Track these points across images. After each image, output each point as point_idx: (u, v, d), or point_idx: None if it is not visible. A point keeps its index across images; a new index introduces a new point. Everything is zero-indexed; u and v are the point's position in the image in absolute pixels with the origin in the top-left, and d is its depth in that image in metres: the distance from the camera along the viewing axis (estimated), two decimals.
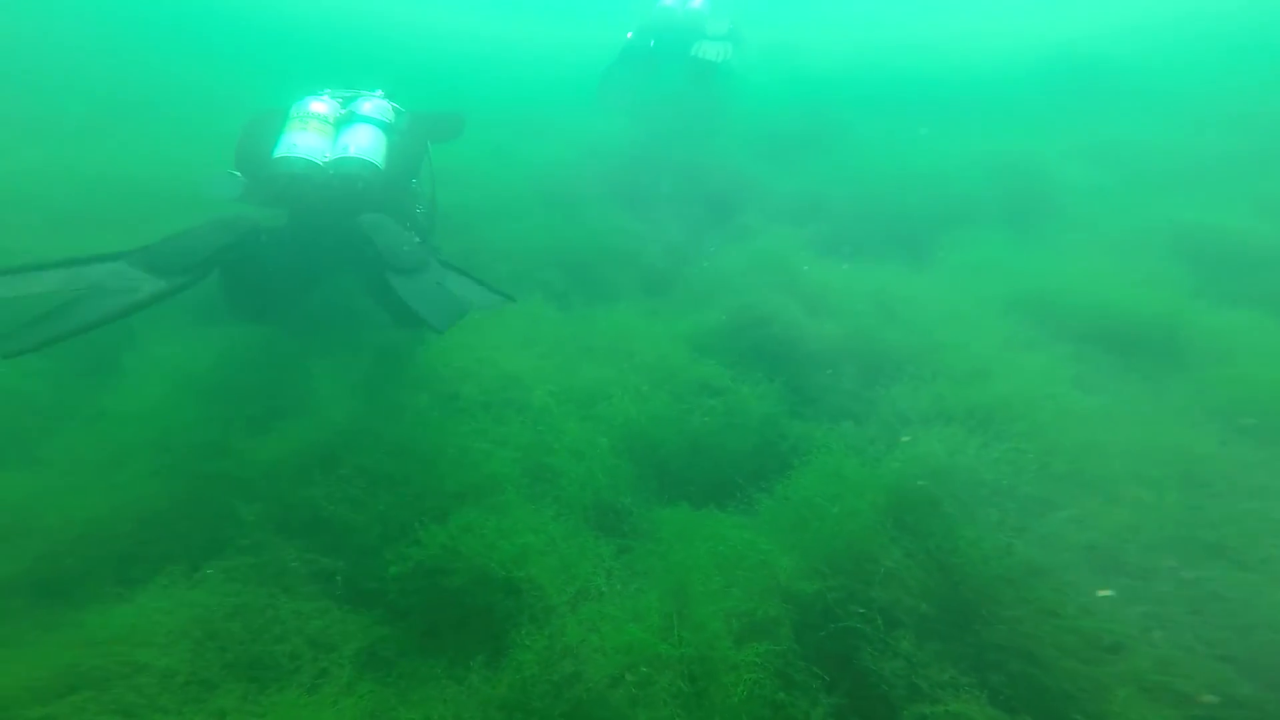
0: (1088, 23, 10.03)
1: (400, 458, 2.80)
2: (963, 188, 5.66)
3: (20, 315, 2.38)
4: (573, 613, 2.22)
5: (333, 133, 3.38)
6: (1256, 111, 6.57)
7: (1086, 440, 2.65)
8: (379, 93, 3.71)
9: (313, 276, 3.51)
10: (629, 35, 7.36)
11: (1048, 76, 8.16)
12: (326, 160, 3.32)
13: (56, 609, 2.18)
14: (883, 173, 5.96)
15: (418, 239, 3.25)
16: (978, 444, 2.59)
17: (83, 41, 7.47)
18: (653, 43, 7.18)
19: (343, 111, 3.48)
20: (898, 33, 10.61)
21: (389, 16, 11.57)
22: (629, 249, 4.96)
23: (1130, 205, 5.16)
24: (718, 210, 5.65)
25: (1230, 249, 4.35)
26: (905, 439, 2.78)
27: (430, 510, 2.60)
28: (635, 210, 5.51)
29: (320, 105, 3.41)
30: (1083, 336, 3.45)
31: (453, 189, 4.66)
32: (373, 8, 11.85)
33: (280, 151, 3.27)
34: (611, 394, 3.33)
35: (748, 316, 3.89)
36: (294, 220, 3.46)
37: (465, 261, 4.50)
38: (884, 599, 2.08)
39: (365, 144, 3.36)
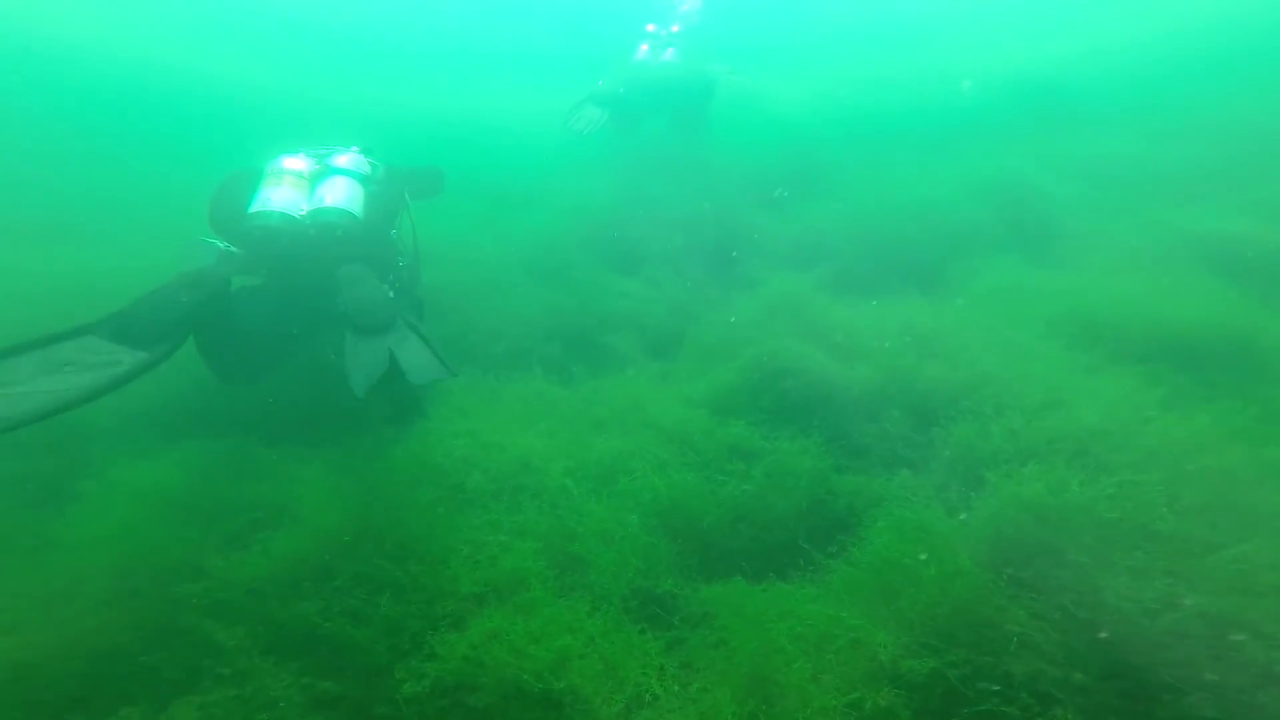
0: (1042, 52, 10.68)
1: (405, 561, 2.58)
2: (960, 214, 5.74)
3: None
4: None
5: (308, 187, 3.45)
6: (1225, 121, 6.82)
7: (1213, 466, 2.42)
8: (354, 148, 3.79)
9: (293, 336, 3.48)
10: (600, 84, 7.34)
11: (1013, 103, 8.55)
12: (303, 214, 3.37)
13: None
14: (876, 208, 6.05)
15: (392, 294, 3.27)
16: (1082, 479, 2.38)
17: (38, 142, 7.49)
18: (622, 90, 7.22)
19: (317, 166, 3.55)
20: (859, 72, 11.07)
21: (359, 100, 11.99)
22: (629, 311, 4.89)
23: (1139, 219, 5.22)
24: (716, 261, 5.61)
25: (1264, 255, 4.30)
26: None
27: (445, 617, 2.37)
28: (630, 270, 5.48)
29: (295, 161, 3.49)
30: (1147, 356, 3.29)
31: (440, 266, 4.60)
32: (336, 95, 12.30)
33: (255, 207, 3.32)
34: (633, 468, 3.16)
35: (769, 369, 3.74)
36: (271, 279, 3.47)
37: (455, 345, 4.37)
38: (1022, 672, 1.81)
39: (341, 195, 3.43)
